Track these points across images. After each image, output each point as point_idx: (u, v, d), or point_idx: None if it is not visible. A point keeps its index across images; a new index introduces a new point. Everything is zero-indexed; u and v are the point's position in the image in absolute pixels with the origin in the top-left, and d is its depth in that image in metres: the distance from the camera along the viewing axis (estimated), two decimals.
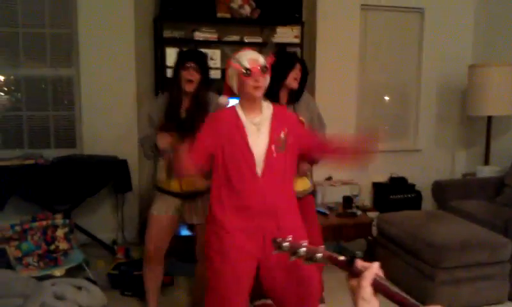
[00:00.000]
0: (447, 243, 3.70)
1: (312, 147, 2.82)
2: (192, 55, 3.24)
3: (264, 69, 2.59)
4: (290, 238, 1.51)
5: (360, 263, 1.39)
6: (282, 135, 2.66)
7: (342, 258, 1.42)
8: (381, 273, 1.38)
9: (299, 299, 2.71)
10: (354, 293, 1.36)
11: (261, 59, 2.61)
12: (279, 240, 1.51)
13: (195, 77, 3.15)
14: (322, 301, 3.00)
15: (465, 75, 5.47)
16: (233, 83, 2.65)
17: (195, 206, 3.30)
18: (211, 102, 3.22)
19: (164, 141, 3.08)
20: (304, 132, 2.93)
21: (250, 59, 2.58)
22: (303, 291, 2.70)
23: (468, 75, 5.40)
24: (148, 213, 3.33)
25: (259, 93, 2.61)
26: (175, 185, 3.24)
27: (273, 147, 2.62)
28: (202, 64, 3.22)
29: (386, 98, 6.01)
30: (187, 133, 3.03)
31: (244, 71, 2.56)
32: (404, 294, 1.29)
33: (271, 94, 3.28)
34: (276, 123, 2.67)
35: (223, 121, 2.65)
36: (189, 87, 3.14)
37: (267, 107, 2.72)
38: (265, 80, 2.62)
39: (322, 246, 1.47)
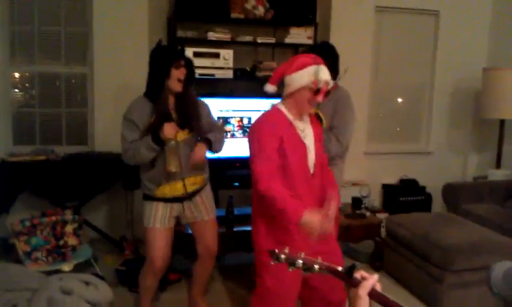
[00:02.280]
0: (457, 246, 3.67)
1: None
2: (180, 52, 3.08)
3: (327, 94, 2.67)
4: (287, 250, 1.51)
5: (359, 274, 1.39)
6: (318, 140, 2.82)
7: (340, 268, 1.42)
8: (378, 285, 1.38)
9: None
10: (352, 303, 1.36)
11: (330, 83, 2.66)
12: (276, 251, 1.52)
13: (184, 73, 3.03)
14: None
15: (479, 78, 5.43)
16: (295, 83, 2.65)
17: (195, 205, 3.26)
18: (197, 102, 3.20)
19: (172, 129, 2.95)
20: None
21: (325, 81, 2.61)
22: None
23: (482, 78, 5.35)
24: (145, 225, 3.18)
25: (311, 110, 2.75)
26: (178, 188, 3.13)
27: (318, 150, 2.77)
28: (189, 61, 3.11)
29: (399, 99, 5.98)
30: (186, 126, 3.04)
31: (316, 88, 2.60)
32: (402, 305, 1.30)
33: None
34: (315, 130, 2.81)
35: (276, 122, 2.69)
36: (180, 87, 3.03)
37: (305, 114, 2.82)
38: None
39: (319, 257, 1.48)
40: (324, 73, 2.62)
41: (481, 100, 5.42)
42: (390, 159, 5.75)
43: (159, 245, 3.18)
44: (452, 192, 4.89)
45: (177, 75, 2.99)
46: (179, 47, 3.14)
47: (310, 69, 2.60)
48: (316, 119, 2.93)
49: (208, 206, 3.34)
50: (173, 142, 2.99)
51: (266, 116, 2.74)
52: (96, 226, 4.71)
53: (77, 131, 5.02)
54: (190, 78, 3.11)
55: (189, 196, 3.21)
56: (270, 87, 2.77)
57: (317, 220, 2.49)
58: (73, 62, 4.93)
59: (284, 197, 2.58)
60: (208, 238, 3.35)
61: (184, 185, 3.13)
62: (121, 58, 4.83)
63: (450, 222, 4.14)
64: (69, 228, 3.79)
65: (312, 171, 2.73)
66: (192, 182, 3.18)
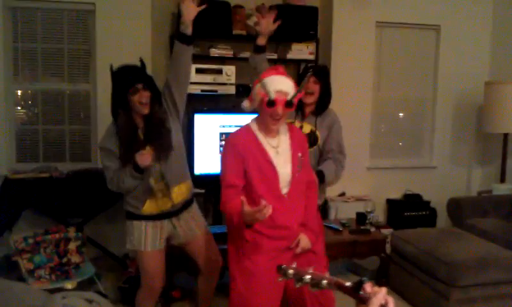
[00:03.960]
0: (463, 261, 3.65)
1: None
2: (136, 75, 2.96)
3: (288, 104, 2.53)
4: (294, 265, 1.50)
5: (368, 288, 1.37)
6: (300, 154, 2.68)
7: (348, 283, 1.40)
8: (389, 299, 1.36)
9: None
10: None
11: (290, 92, 2.52)
12: (284, 267, 1.50)
13: (147, 96, 2.92)
14: None
15: (482, 92, 5.43)
16: (256, 102, 2.59)
17: (186, 222, 3.19)
18: (167, 116, 3.08)
19: (145, 157, 2.88)
20: (307, 163, 2.81)
21: (277, 90, 2.50)
22: None
23: (484, 91, 5.36)
24: (136, 247, 3.11)
25: (276, 126, 2.59)
26: (165, 203, 3.06)
27: (296, 167, 2.64)
28: (148, 81, 3.00)
29: (401, 114, 5.98)
30: (157, 150, 2.96)
31: (268, 101, 2.51)
32: None
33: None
34: (294, 144, 2.67)
35: (242, 144, 2.59)
36: (146, 110, 2.93)
37: (283, 127, 2.69)
38: (287, 113, 2.58)
39: (327, 272, 1.46)
40: (275, 84, 2.51)
41: (484, 114, 5.42)
42: (394, 174, 5.74)
43: (154, 267, 3.14)
44: (456, 207, 4.86)
45: (136, 99, 2.90)
46: (139, 65, 3.04)
47: (262, 82, 2.53)
48: (300, 136, 2.80)
49: (199, 222, 3.29)
50: (151, 167, 2.95)
51: (232, 135, 2.66)
52: (99, 244, 4.69)
53: (81, 148, 5.03)
54: (156, 98, 3.01)
55: (177, 210, 3.15)
56: (246, 103, 2.68)
57: (252, 210, 2.36)
58: (76, 79, 4.95)
59: (229, 204, 2.54)
60: (208, 252, 3.31)
61: (171, 197, 3.06)
62: None
63: (456, 237, 4.12)
64: (72, 246, 3.78)
65: (284, 190, 2.61)
66: (177, 192, 3.09)
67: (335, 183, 3.51)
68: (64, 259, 3.73)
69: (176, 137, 3.11)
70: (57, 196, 4.33)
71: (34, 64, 4.84)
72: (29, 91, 4.92)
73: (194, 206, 3.30)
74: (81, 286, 3.67)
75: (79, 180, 4.46)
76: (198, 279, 3.42)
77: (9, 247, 3.80)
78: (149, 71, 4.75)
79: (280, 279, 1.51)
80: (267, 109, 2.52)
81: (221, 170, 2.65)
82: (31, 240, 3.62)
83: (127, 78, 2.93)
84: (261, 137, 2.62)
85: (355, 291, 1.38)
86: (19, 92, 4.90)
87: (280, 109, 2.50)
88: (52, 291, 3.24)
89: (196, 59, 4.80)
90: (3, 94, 4.69)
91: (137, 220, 3.08)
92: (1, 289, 2.85)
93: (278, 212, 2.54)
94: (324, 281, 1.43)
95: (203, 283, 3.41)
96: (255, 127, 2.64)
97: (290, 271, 1.48)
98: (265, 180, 2.58)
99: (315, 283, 1.44)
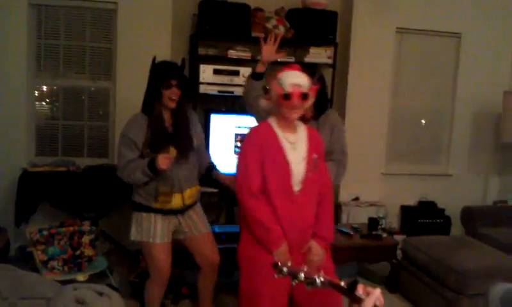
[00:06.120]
0: (473, 270, 3.63)
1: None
2: (174, 71, 3.13)
3: (304, 96, 2.60)
4: (289, 263, 1.52)
5: (362, 289, 1.40)
6: (315, 155, 2.72)
7: (342, 283, 1.42)
8: (381, 299, 1.38)
9: None
10: None
11: (304, 84, 2.60)
12: (279, 264, 1.53)
13: (177, 94, 3.09)
14: None
15: (500, 101, 5.37)
16: (273, 99, 2.67)
17: (190, 219, 3.30)
18: (190, 115, 3.26)
19: (166, 161, 2.98)
20: (323, 168, 2.85)
21: (292, 83, 2.58)
22: None
23: (503, 101, 5.30)
24: (145, 239, 3.19)
25: (295, 115, 2.65)
26: (177, 201, 3.17)
27: (310, 166, 2.69)
28: (183, 80, 3.15)
29: (420, 121, 5.95)
30: (182, 148, 3.10)
31: (284, 94, 2.59)
32: None
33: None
34: (311, 145, 2.73)
35: (261, 137, 2.68)
36: (173, 104, 3.10)
37: (300, 126, 2.76)
38: (304, 105, 2.64)
39: (322, 271, 1.48)
40: (290, 78, 2.60)
41: (502, 124, 5.36)
42: (409, 180, 5.71)
43: (163, 257, 3.22)
44: (470, 216, 4.83)
45: (168, 94, 3.07)
46: (179, 63, 3.20)
47: (278, 78, 2.62)
48: (318, 139, 2.84)
49: (204, 221, 3.40)
50: (168, 171, 3.05)
51: (252, 129, 2.79)
52: (112, 238, 4.76)
53: (99, 144, 5.11)
54: (186, 96, 3.18)
55: (184, 209, 3.26)
56: (263, 102, 2.89)
57: (288, 260, 2.51)
58: (97, 76, 5.04)
59: (269, 221, 2.61)
60: (208, 250, 3.38)
61: (183, 198, 3.18)
62: (143, 74, 4.88)
63: (467, 246, 4.09)
64: (86, 239, 3.84)
65: (296, 188, 2.66)
66: (189, 195, 3.23)
67: (336, 183, 3.38)
68: (78, 252, 3.79)
69: (196, 141, 3.28)
70: (74, 190, 4.41)
71: (56, 61, 4.93)
72: (54, 87, 5.00)
73: (199, 205, 3.42)
74: (93, 279, 3.71)
75: (95, 174, 4.54)
76: (198, 279, 3.48)
77: (25, 238, 3.89)
78: None
79: (276, 276, 1.54)
80: (283, 102, 2.60)
81: (241, 169, 2.69)
82: (45, 232, 3.69)
83: (165, 72, 3.10)
84: (279, 132, 2.69)
85: (349, 291, 1.40)
86: (44, 87, 5.00)
87: (295, 101, 2.59)
88: (64, 282, 3.32)
89: (214, 60, 4.87)
90: (25, 89, 4.78)
91: (147, 212, 3.18)
92: (16, 278, 2.92)
93: (287, 208, 2.63)
94: (319, 280, 1.45)
95: (203, 281, 3.47)
96: (274, 123, 2.71)
97: (285, 269, 1.51)
98: (278, 174, 2.63)
99: (310, 281, 1.47)
